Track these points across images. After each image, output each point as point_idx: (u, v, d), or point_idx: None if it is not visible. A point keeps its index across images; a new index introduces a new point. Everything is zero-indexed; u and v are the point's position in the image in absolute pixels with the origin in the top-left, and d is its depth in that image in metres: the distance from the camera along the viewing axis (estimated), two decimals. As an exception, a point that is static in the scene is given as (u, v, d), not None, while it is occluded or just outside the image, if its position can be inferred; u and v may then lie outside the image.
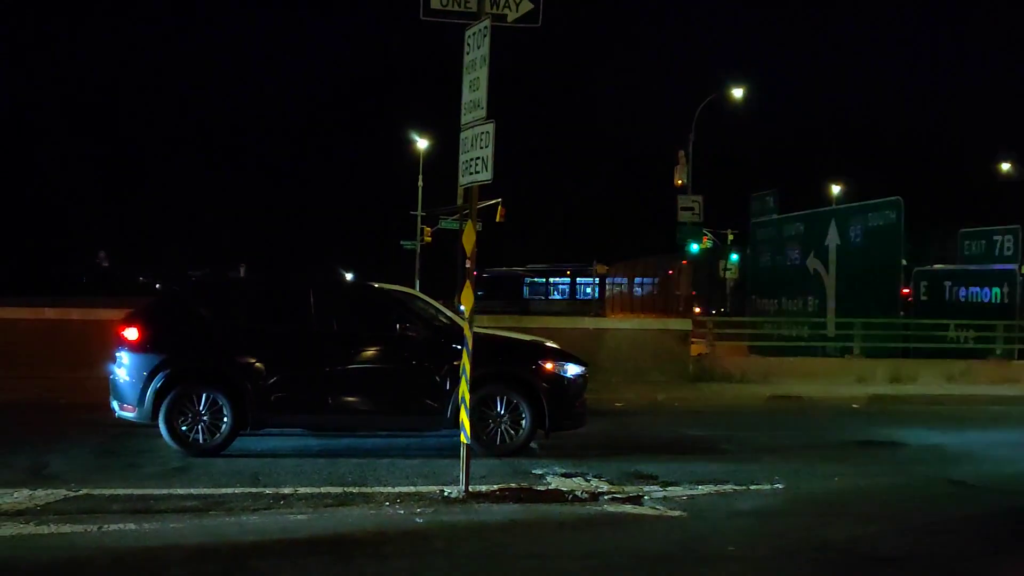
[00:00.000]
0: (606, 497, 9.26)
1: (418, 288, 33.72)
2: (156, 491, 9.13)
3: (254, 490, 9.26)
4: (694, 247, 36.42)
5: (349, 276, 48.60)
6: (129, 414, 11.19)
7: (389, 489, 9.39)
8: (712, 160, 50.58)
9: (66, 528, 7.69)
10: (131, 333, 11.27)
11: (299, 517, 8.24)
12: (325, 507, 8.63)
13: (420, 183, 48.16)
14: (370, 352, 11.53)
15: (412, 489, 9.41)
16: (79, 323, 18.45)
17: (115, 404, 11.36)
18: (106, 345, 12.17)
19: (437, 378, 11.28)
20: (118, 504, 8.57)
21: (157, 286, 67.46)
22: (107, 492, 9.02)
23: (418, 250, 48.24)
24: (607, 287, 63.11)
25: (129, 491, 9.11)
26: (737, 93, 38.69)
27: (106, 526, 7.74)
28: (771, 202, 29.07)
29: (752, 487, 9.87)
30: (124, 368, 11.21)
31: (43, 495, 8.81)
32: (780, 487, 9.91)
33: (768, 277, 28.61)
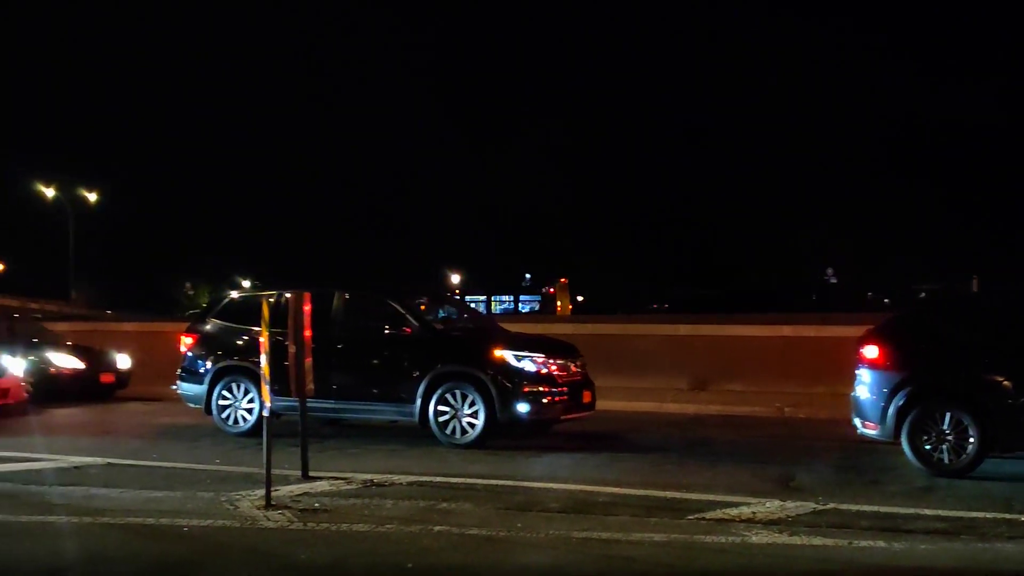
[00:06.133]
0: None
1: None
2: (902, 510, 9.03)
3: (1007, 516, 8.76)
4: None
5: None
6: (871, 431, 11.24)
7: None
8: None
9: (816, 540, 7.88)
10: (871, 351, 11.32)
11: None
12: (1094, 542, 7.88)
13: None
14: None
15: None
16: (813, 340, 18.99)
17: (857, 421, 11.49)
18: (839, 362, 12.38)
19: None
20: (865, 520, 8.61)
21: (885, 301, 66.95)
22: (853, 508, 9.12)
23: None
24: None
25: (874, 508, 9.12)
26: None
27: (856, 542, 7.80)
28: None
29: None
30: (865, 386, 11.29)
31: (792, 506, 9.16)
32: None
33: None
